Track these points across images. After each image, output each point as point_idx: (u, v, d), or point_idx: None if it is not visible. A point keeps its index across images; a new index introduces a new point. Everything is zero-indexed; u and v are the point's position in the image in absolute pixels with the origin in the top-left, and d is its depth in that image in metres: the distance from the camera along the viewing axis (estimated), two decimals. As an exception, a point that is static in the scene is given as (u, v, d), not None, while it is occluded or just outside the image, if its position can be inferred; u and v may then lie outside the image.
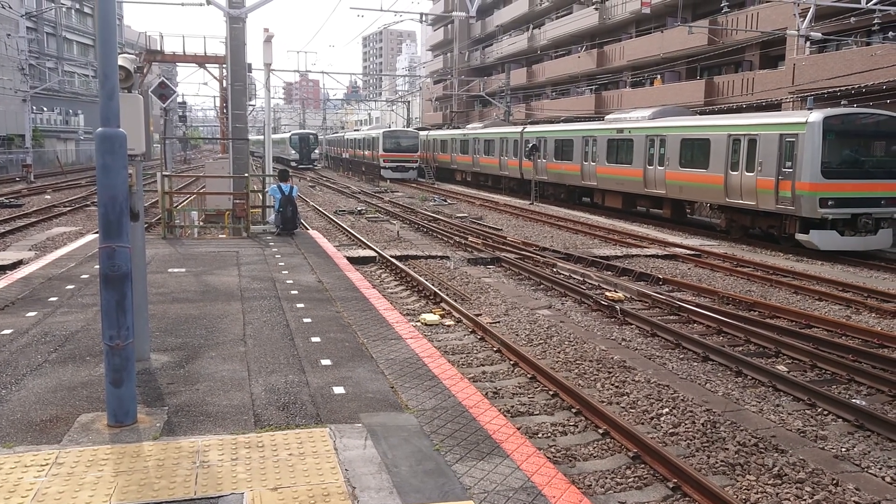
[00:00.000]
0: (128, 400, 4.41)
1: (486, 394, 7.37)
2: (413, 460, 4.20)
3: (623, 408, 7.31)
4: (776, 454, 6.27)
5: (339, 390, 5.34)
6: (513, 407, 7.16)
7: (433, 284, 12.54)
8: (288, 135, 68.45)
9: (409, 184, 43.60)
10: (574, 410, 7.11)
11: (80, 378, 5.53)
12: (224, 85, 22.80)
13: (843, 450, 6.42)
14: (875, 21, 19.78)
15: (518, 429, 4.81)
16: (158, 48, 28.72)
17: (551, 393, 7.58)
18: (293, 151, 63.58)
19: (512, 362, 8.57)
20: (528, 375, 8.10)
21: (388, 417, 4.82)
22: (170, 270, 10.30)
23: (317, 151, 65.80)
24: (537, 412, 7.12)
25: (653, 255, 16.87)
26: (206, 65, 29.53)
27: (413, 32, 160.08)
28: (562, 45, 46.50)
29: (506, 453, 4.29)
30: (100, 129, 4.34)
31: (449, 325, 10.24)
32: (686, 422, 6.90)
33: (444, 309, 11.02)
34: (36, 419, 4.69)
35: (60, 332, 6.86)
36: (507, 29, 54.67)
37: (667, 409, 7.21)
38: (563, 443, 6.44)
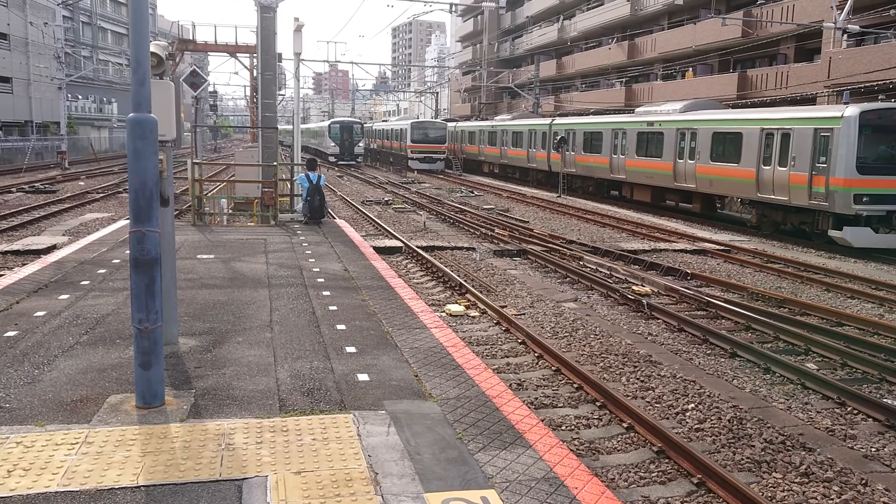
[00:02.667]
0: (156, 382, 4.49)
1: (510, 385, 7.35)
2: (436, 448, 4.22)
3: (648, 402, 7.25)
4: (804, 452, 6.17)
5: (363, 377, 5.37)
6: (536, 399, 7.14)
7: (459, 275, 12.54)
8: (326, 123, 56.40)
9: (436, 175, 43.59)
10: (598, 404, 7.07)
11: (110, 360, 5.64)
12: (254, 74, 22.97)
13: (873, 450, 6.30)
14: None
15: (542, 420, 4.78)
16: (190, 37, 29.01)
17: (576, 386, 7.55)
18: (332, 144, 51.99)
19: (536, 354, 8.54)
20: (553, 368, 8.06)
21: (412, 405, 4.84)
22: (199, 257, 10.44)
23: (361, 144, 52.94)
24: (561, 405, 7.09)
25: (681, 250, 16.67)
26: (238, 54, 29.71)
27: (443, 24, 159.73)
28: (592, 37, 46.02)
29: (528, 444, 4.29)
30: (131, 114, 4.40)
31: (474, 316, 10.23)
32: (712, 417, 6.82)
33: (469, 300, 11.02)
34: (67, 399, 4.79)
35: (91, 314, 7.00)
36: (537, 20, 54.25)
37: (692, 405, 7.13)
38: (586, 436, 6.41)
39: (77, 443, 4.10)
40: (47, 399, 4.80)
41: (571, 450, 4.63)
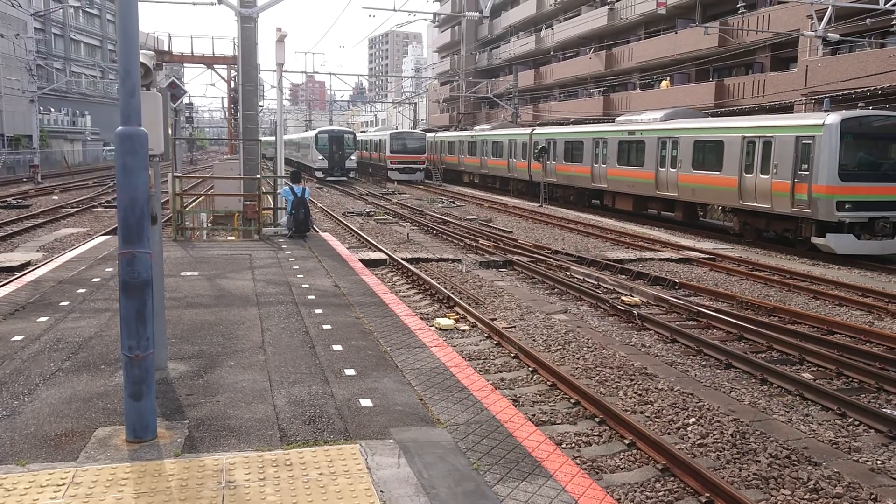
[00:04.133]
0: (148, 414, 4.23)
1: (506, 399, 7.18)
2: (451, 480, 4.01)
3: (648, 417, 7.12)
4: (810, 467, 6.07)
5: (366, 402, 5.15)
6: (534, 416, 6.97)
7: (446, 288, 12.36)
8: (312, 133, 48.83)
9: (416, 186, 43.43)
10: (598, 420, 6.92)
11: (96, 388, 5.36)
12: (232, 86, 22.70)
13: (879, 462, 6.23)
14: (894, 22, 19.51)
15: (557, 445, 4.60)
16: (166, 49, 28.66)
17: (573, 401, 7.40)
18: (319, 157, 45.10)
19: (531, 369, 8.38)
20: (549, 383, 7.91)
21: (420, 433, 4.62)
22: (183, 274, 10.14)
23: (353, 157, 46.10)
24: (560, 421, 6.93)
25: (667, 259, 16.66)
26: (215, 65, 29.43)
27: (419, 34, 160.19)
28: (570, 47, 46.30)
29: (548, 473, 4.10)
30: (120, 127, 4.14)
31: (464, 330, 10.06)
32: (714, 432, 6.71)
33: (458, 313, 10.84)
34: (50, 433, 4.50)
35: (73, 338, 6.70)
36: (515, 31, 54.49)
37: (693, 419, 7.02)
38: (588, 453, 6.26)
39: (64, 484, 3.81)
40: (29, 434, 4.50)
41: (594, 479, 4.41)
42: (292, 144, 60.40)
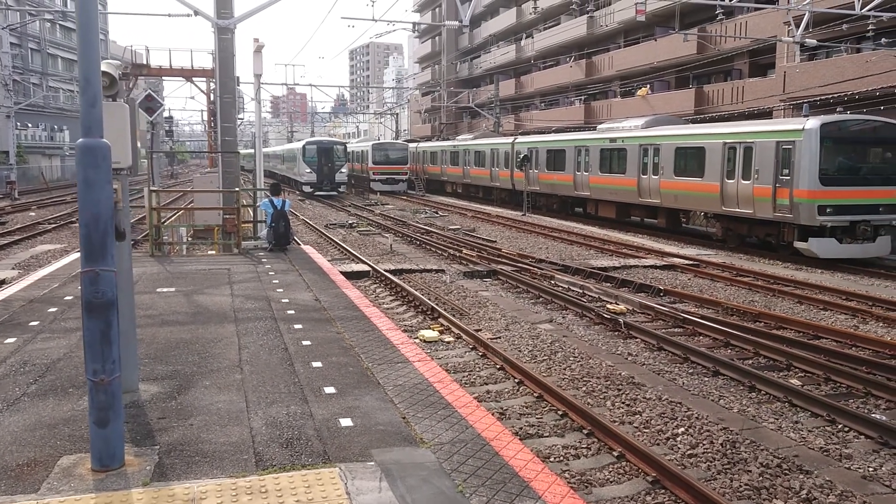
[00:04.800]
0: (114, 441, 4.00)
1: (493, 413, 7.02)
2: (435, 504, 3.84)
3: (636, 428, 6.99)
4: (802, 476, 5.97)
5: (346, 422, 4.95)
6: (521, 429, 6.82)
7: (430, 299, 12.19)
8: (299, 145, 45.06)
9: (399, 196, 43.28)
10: (586, 431, 6.79)
11: (62, 413, 5.12)
12: (212, 98, 22.45)
13: (871, 469, 6.14)
14: (869, 27, 19.71)
15: (545, 459, 4.44)
16: (144, 62, 28.34)
17: (560, 413, 7.26)
18: (307, 170, 41.81)
19: (517, 380, 8.24)
20: (535, 394, 7.77)
21: (403, 453, 4.43)
22: (158, 290, 9.90)
23: (344, 170, 42.97)
24: (547, 433, 6.78)
25: (651, 266, 16.60)
26: (194, 78, 29.12)
27: (400, 45, 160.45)
28: (550, 56, 46.48)
29: (537, 494, 3.94)
30: (80, 139, 3.95)
31: (449, 342, 9.90)
32: (704, 442, 6.59)
33: (442, 325, 10.68)
34: (11, 463, 4.26)
35: (41, 360, 6.44)
36: (496, 40, 54.67)
37: (682, 429, 6.90)
38: (576, 466, 6.11)
39: (24, 516, 3.60)
40: (-11, 463, 4.26)
41: (583, 497, 4.24)
42: (276, 157, 58.63)
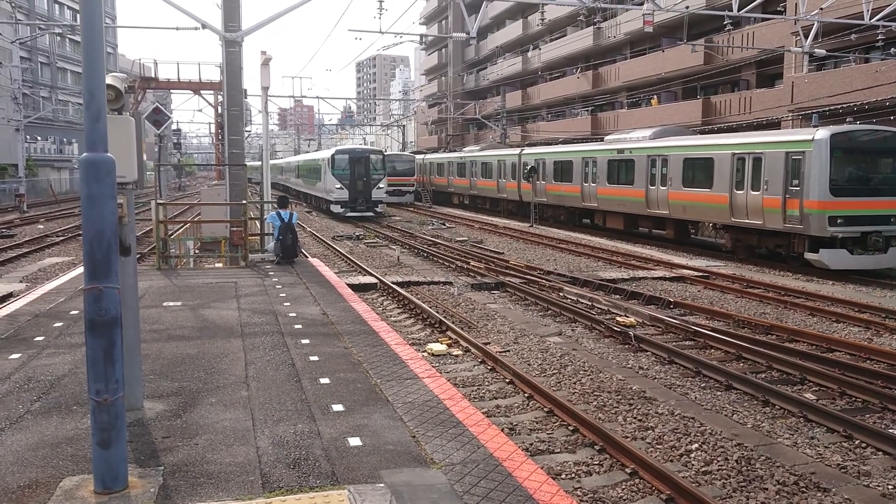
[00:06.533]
0: (117, 462, 3.91)
1: (503, 429, 6.90)
2: (447, 530, 3.72)
3: (649, 444, 6.86)
4: (820, 494, 5.83)
5: (354, 442, 4.84)
6: (532, 444, 6.70)
7: (438, 312, 12.10)
8: (327, 154, 36.93)
9: (405, 208, 43.25)
10: (597, 447, 6.66)
11: (65, 432, 5.04)
12: (219, 111, 22.51)
13: (891, 487, 5.99)
14: (878, 37, 19.60)
15: (556, 476, 4.31)
16: (153, 75, 28.53)
17: (571, 428, 7.14)
18: (337, 185, 33.96)
19: (526, 395, 8.13)
20: (545, 409, 7.66)
21: (413, 475, 4.31)
22: (164, 304, 9.84)
23: (382, 185, 34.93)
24: (558, 450, 6.66)
25: (660, 277, 16.47)
26: (202, 91, 29.29)
27: (406, 57, 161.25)
28: (557, 67, 46.52)
29: (550, 519, 3.81)
30: (84, 154, 3.88)
31: (457, 355, 9.79)
32: (718, 458, 6.46)
33: (450, 338, 10.58)
34: (13, 485, 4.16)
35: (45, 377, 6.37)
36: (502, 52, 54.79)
37: (696, 445, 6.76)
38: (588, 484, 5.99)
39: (24, 540, 3.50)
40: (-10, 485, 4.17)
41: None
42: (296, 168, 52.09)
